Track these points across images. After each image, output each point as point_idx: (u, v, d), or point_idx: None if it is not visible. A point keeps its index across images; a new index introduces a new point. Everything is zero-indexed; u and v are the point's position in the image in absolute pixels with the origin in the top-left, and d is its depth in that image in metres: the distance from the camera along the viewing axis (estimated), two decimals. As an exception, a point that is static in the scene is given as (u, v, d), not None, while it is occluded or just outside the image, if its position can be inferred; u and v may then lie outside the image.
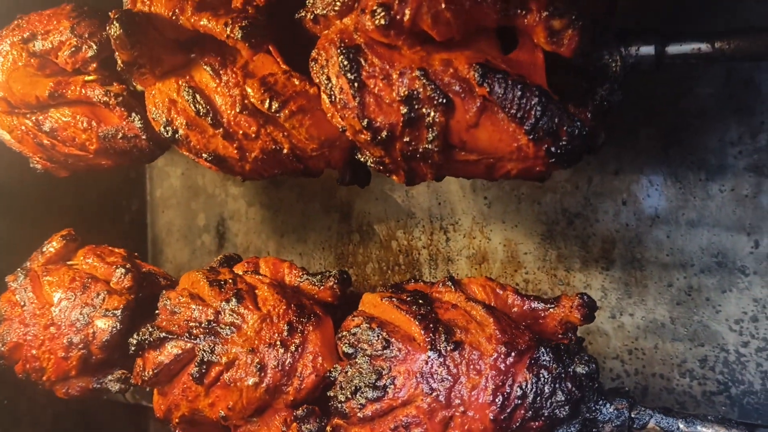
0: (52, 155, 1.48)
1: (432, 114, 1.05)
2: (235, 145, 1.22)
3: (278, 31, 1.21)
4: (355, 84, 1.07)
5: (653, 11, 1.53)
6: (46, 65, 1.43)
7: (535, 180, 1.13)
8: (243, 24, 1.15)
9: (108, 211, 2.18)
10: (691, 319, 1.59)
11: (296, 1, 1.20)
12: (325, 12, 1.15)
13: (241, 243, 2.19)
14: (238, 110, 1.20)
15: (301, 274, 1.33)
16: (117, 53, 1.22)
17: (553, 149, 1.04)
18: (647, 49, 1.08)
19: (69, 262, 1.53)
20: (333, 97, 1.10)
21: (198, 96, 1.22)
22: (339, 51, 1.08)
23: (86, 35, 1.38)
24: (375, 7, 1.03)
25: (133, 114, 1.36)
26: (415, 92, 1.05)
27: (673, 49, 1.08)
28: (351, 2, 1.11)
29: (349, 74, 1.07)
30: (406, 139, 1.08)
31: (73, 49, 1.38)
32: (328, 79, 1.10)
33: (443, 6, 1.00)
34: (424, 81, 1.04)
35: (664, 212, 1.59)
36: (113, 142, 1.40)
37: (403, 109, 1.05)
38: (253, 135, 1.21)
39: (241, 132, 1.21)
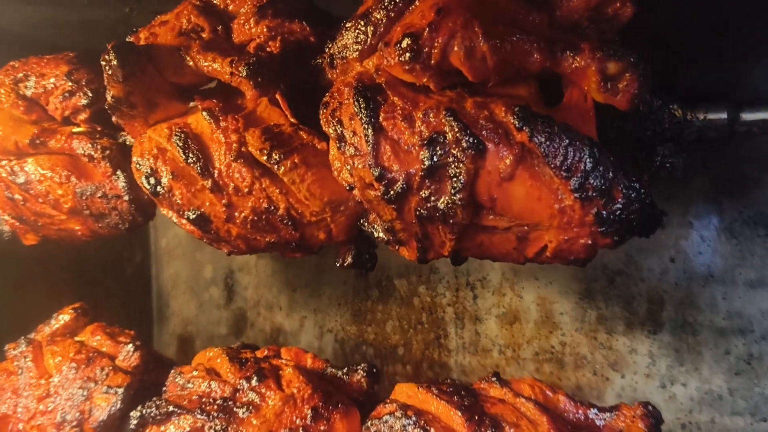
0: (21, 213, 1.35)
1: (458, 160, 0.89)
2: (223, 201, 1.08)
3: (290, 80, 1.09)
4: (371, 127, 0.92)
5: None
6: (33, 110, 1.32)
7: (577, 261, 0.94)
8: (250, 61, 1.03)
9: (109, 264, 2.04)
10: (752, 391, 1.42)
11: (313, 51, 1.08)
12: (344, 54, 1.02)
13: (251, 296, 2.04)
14: (232, 158, 1.06)
15: (325, 365, 1.19)
16: (108, 86, 1.10)
17: (604, 213, 0.88)
18: (718, 115, 0.93)
19: (77, 338, 1.41)
20: (343, 143, 0.96)
21: (190, 141, 1.09)
22: (355, 90, 0.95)
23: (83, 81, 1.27)
24: (401, 38, 0.89)
25: (119, 171, 1.23)
26: (441, 135, 0.90)
27: (749, 115, 0.93)
28: (374, 42, 0.98)
29: (364, 115, 0.93)
30: (424, 193, 0.93)
31: (66, 94, 1.27)
32: (340, 122, 0.96)
33: (480, 39, 0.86)
34: (453, 122, 0.89)
35: (719, 271, 1.43)
36: (90, 202, 1.27)
37: (424, 154, 0.90)
38: (246, 189, 1.07)
39: (232, 185, 1.07)
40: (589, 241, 0.92)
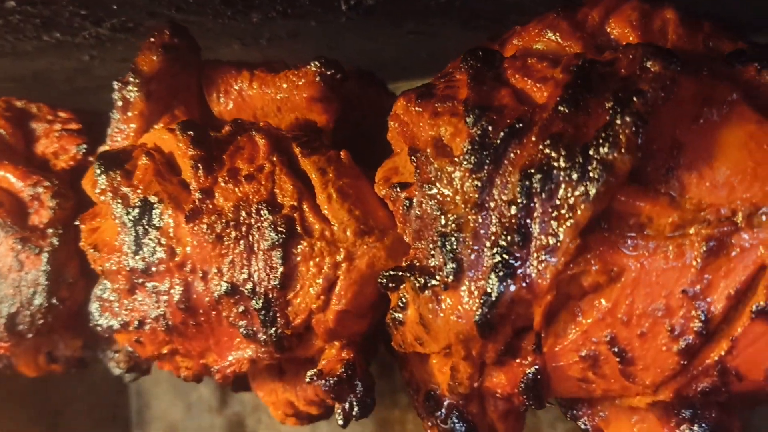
0: None
1: (634, 76, 0.62)
2: (199, 186, 0.82)
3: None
4: (485, 69, 0.71)
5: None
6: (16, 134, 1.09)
7: None
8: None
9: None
10: None
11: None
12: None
13: (250, 399, 1.72)
14: (245, 129, 0.86)
15: None
16: (139, 56, 0.91)
17: None
18: None
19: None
20: (426, 98, 0.72)
21: (200, 127, 0.87)
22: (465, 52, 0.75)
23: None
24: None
25: (60, 226, 0.99)
26: (606, 46, 0.70)
27: None
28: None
29: (470, 61, 0.72)
30: (555, 130, 0.63)
31: (65, 131, 1.05)
32: (428, 85, 0.75)
33: (664, 6, 0.71)
34: (630, 31, 0.71)
35: None
36: None
37: (575, 64, 0.66)
38: (246, 171, 0.82)
39: (227, 165, 0.83)
40: None
